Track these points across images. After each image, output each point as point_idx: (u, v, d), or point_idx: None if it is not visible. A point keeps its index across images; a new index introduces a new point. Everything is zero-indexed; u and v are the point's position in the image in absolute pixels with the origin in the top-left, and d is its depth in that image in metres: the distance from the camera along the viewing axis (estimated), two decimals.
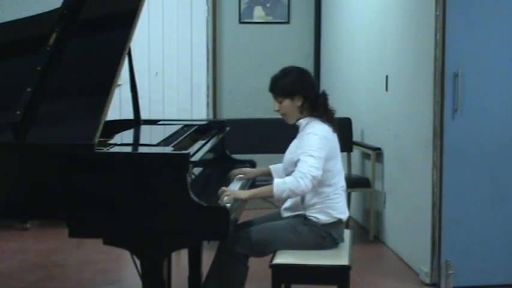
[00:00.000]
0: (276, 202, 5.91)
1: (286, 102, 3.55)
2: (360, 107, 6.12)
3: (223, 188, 3.43)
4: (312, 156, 3.39)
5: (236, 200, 3.41)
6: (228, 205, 3.26)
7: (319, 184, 3.46)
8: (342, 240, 3.62)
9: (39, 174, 3.13)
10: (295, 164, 3.44)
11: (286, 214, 3.62)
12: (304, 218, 3.52)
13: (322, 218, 3.51)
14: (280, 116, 3.68)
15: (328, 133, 3.52)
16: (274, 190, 3.37)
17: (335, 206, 3.54)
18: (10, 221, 5.83)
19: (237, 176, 3.85)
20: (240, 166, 4.16)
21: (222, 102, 7.32)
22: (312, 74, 7.39)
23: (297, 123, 3.60)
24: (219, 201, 3.33)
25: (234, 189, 3.57)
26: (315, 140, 3.44)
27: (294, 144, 3.61)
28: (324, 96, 3.61)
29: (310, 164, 3.37)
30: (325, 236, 3.52)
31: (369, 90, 5.89)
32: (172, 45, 7.16)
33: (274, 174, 3.78)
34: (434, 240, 4.51)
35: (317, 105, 3.56)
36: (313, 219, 3.51)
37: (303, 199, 3.53)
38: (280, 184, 3.38)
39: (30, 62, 3.42)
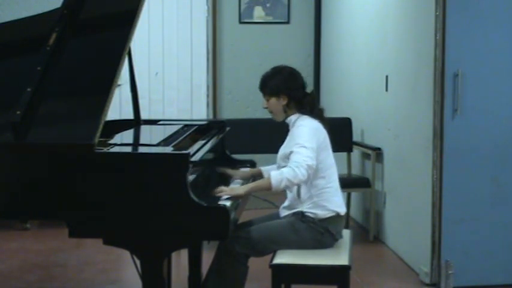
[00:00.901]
0: (275, 202, 5.92)
1: (272, 101, 3.63)
2: (360, 107, 6.12)
3: (221, 188, 3.45)
4: (304, 147, 3.43)
5: (235, 197, 3.42)
6: (228, 204, 3.26)
7: (313, 176, 3.49)
8: (341, 236, 3.63)
9: (39, 174, 3.13)
10: (288, 156, 3.47)
11: (284, 213, 3.63)
12: (302, 215, 3.53)
13: (319, 213, 3.53)
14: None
15: (318, 125, 3.58)
16: (272, 181, 3.39)
17: (330, 199, 3.56)
18: (10, 221, 5.82)
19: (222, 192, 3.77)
20: (240, 166, 4.16)
21: (222, 102, 7.33)
22: (312, 74, 7.48)
23: (287, 121, 3.65)
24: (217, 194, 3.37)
25: (231, 187, 3.60)
26: (305, 131, 3.50)
27: (286, 140, 3.64)
28: (311, 96, 3.67)
29: (304, 154, 3.41)
30: (323, 232, 3.53)
31: (369, 90, 5.89)
32: (172, 45, 7.17)
33: (265, 174, 3.79)
34: (434, 240, 4.51)
35: (304, 104, 3.61)
36: (311, 215, 3.53)
37: (299, 193, 3.55)
38: (277, 175, 3.40)
39: (30, 62, 3.42)
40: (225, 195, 3.40)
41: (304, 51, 7.41)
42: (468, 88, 4.40)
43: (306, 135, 3.48)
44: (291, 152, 3.46)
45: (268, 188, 3.43)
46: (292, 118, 3.62)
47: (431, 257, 4.53)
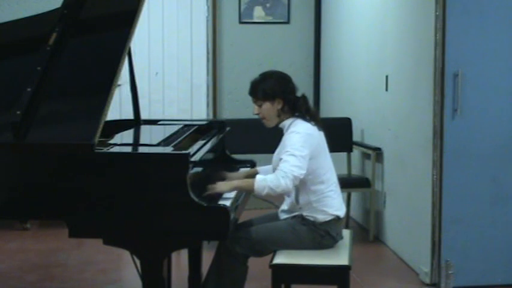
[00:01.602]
0: (276, 202, 5.91)
1: (266, 106, 3.56)
2: (360, 107, 6.12)
3: (208, 186, 3.43)
4: (293, 155, 3.38)
5: (220, 192, 3.43)
6: (228, 204, 3.25)
7: (312, 182, 3.48)
8: (341, 237, 3.62)
9: (39, 174, 3.13)
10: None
11: (283, 216, 3.63)
12: (302, 219, 3.53)
13: (320, 217, 3.52)
14: None
15: (312, 130, 3.52)
16: (255, 186, 3.37)
17: (330, 203, 3.54)
18: (10, 221, 5.82)
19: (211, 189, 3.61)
20: (240, 166, 4.16)
21: (222, 102, 7.33)
22: (312, 74, 7.47)
23: (281, 125, 3.60)
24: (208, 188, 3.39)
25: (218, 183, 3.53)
26: (297, 138, 3.44)
27: (279, 146, 3.61)
28: (303, 99, 3.61)
29: (292, 163, 3.36)
30: (323, 234, 3.52)
31: (369, 90, 5.89)
32: (172, 45, 7.17)
33: (262, 174, 3.77)
34: (434, 240, 4.51)
35: (297, 108, 3.56)
36: (311, 218, 3.52)
37: (297, 200, 3.54)
38: (260, 181, 3.37)
39: (30, 62, 3.42)
40: (210, 192, 3.37)
41: (304, 51, 7.40)
42: (468, 88, 4.40)
43: (297, 143, 3.42)
44: (281, 159, 3.42)
45: (251, 191, 3.42)
46: (286, 123, 3.57)
47: (431, 257, 4.53)
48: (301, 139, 3.44)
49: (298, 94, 3.63)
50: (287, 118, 3.57)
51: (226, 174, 3.82)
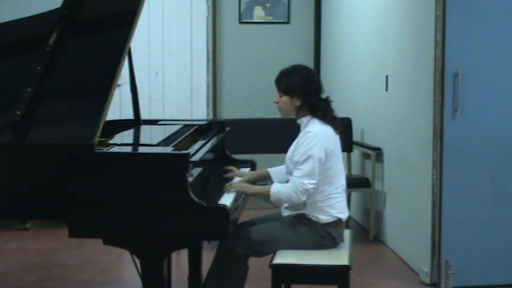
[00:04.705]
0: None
1: (285, 99, 3.57)
2: (360, 107, 6.12)
3: (231, 183, 3.61)
4: (306, 162, 3.42)
5: (241, 193, 3.57)
6: (228, 204, 3.25)
7: (321, 182, 3.49)
8: (342, 240, 3.62)
9: (39, 174, 3.13)
10: (295, 164, 3.46)
11: (286, 213, 3.63)
12: (304, 217, 3.53)
13: (322, 217, 3.52)
14: (280, 116, 3.73)
15: (328, 131, 3.53)
16: (270, 195, 3.51)
17: (335, 205, 3.55)
18: (10, 221, 5.82)
19: (231, 187, 3.69)
20: (240, 166, 4.16)
21: (222, 102, 7.32)
22: None
23: (298, 121, 3.61)
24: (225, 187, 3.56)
25: (240, 182, 3.68)
26: (312, 139, 3.46)
27: (295, 141, 3.61)
28: (326, 102, 3.59)
29: (304, 173, 3.42)
30: (324, 235, 3.52)
31: (369, 90, 5.89)
32: (172, 45, 7.16)
33: (273, 177, 3.80)
34: (434, 240, 4.51)
35: (317, 110, 3.55)
36: (313, 218, 3.52)
37: None
38: (275, 194, 3.48)
39: (30, 62, 3.42)
40: (233, 190, 3.54)
41: (304, 51, 7.39)
42: (468, 88, 4.40)
43: (311, 145, 3.44)
44: (297, 163, 3.45)
45: (267, 197, 3.54)
46: (304, 120, 3.56)
47: (431, 257, 4.53)
48: (316, 139, 3.46)
49: (324, 95, 3.63)
50: (304, 116, 3.57)
51: (239, 173, 3.91)
